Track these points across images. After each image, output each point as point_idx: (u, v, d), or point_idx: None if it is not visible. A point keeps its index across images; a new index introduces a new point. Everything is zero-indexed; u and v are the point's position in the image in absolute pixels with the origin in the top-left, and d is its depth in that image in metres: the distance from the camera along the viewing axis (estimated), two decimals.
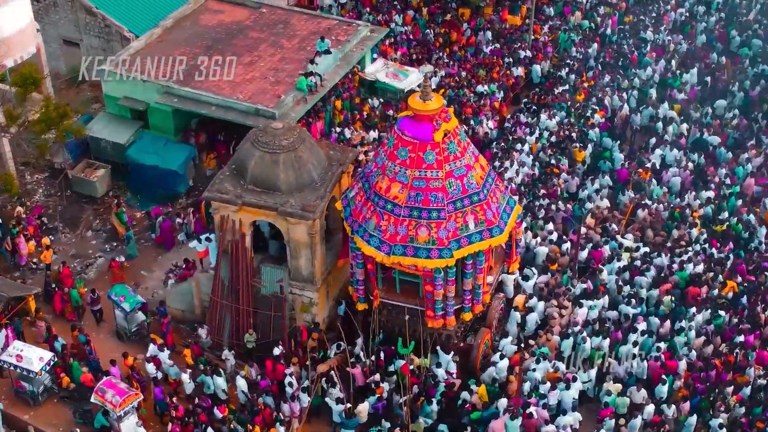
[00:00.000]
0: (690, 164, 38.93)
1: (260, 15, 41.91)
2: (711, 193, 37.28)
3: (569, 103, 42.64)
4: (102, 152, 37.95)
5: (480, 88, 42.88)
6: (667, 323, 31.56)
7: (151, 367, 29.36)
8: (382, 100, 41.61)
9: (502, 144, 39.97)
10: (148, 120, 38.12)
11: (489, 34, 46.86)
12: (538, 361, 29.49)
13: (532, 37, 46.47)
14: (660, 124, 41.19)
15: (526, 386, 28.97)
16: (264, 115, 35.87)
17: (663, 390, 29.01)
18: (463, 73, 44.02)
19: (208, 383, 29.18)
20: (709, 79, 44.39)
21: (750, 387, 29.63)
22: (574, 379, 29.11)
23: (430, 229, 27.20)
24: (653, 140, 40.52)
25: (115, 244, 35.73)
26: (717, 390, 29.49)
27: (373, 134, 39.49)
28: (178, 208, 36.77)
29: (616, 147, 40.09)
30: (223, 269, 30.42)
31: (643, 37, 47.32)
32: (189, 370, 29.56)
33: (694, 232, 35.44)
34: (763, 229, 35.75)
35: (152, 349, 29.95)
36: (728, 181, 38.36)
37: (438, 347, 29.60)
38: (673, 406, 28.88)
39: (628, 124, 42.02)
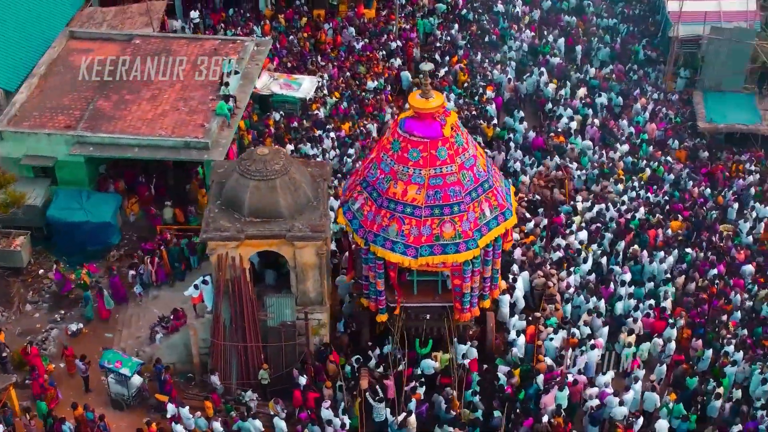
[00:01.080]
0: (596, 121, 40.91)
1: (136, 47, 39.89)
2: (626, 146, 39.38)
3: (454, 84, 43.54)
4: (14, 218, 34.97)
5: (371, 84, 42.99)
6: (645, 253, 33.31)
7: (180, 428, 27.70)
8: (282, 113, 40.85)
9: None
10: (56, 175, 35.61)
11: (353, 30, 46.95)
12: (555, 332, 30.25)
13: (398, 27, 46.99)
14: (549, 89, 42.97)
15: (548, 360, 29.60)
16: (196, 146, 34.50)
17: (672, 333, 30.57)
18: (348, 73, 43.97)
19: (247, 428, 27.90)
20: (579, 47, 46.59)
21: (740, 311, 31.79)
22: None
23: (454, 224, 27.21)
24: (549, 105, 42.22)
25: (63, 312, 33.20)
26: (716, 320, 31.45)
27: (290, 147, 38.75)
28: (116, 261, 34.65)
29: (516, 118, 41.41)
30: (224, 310, 29.09)
31: (497, 11, 48.96)
32: (219, 419, 28.15)
33: (620, 186, 37.31)
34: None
35: (171, 408, 28.23)
36: (633, 130, 40.64)
37: (455, 339, 29.77)
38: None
39: (517, 94, 43.48)
